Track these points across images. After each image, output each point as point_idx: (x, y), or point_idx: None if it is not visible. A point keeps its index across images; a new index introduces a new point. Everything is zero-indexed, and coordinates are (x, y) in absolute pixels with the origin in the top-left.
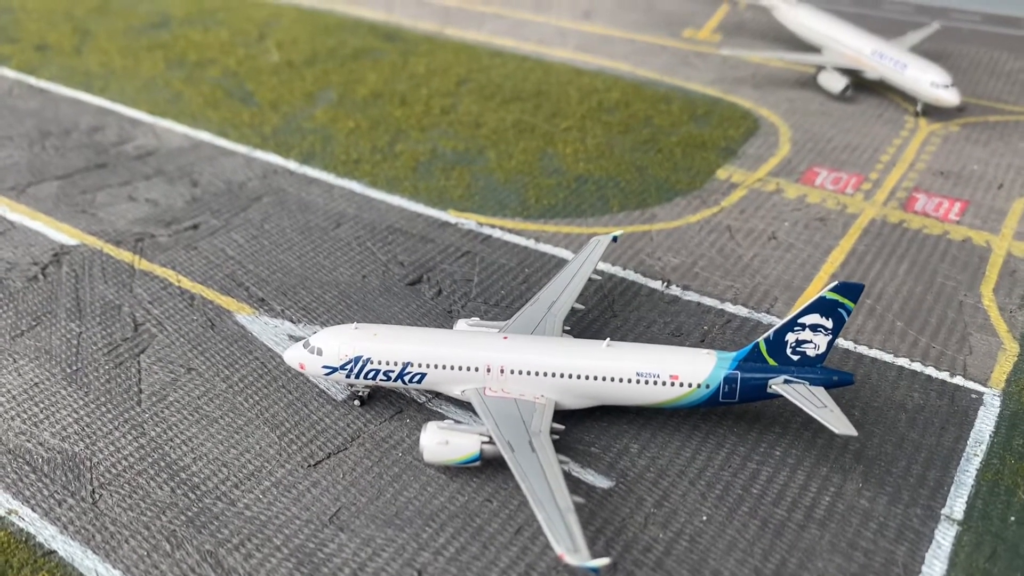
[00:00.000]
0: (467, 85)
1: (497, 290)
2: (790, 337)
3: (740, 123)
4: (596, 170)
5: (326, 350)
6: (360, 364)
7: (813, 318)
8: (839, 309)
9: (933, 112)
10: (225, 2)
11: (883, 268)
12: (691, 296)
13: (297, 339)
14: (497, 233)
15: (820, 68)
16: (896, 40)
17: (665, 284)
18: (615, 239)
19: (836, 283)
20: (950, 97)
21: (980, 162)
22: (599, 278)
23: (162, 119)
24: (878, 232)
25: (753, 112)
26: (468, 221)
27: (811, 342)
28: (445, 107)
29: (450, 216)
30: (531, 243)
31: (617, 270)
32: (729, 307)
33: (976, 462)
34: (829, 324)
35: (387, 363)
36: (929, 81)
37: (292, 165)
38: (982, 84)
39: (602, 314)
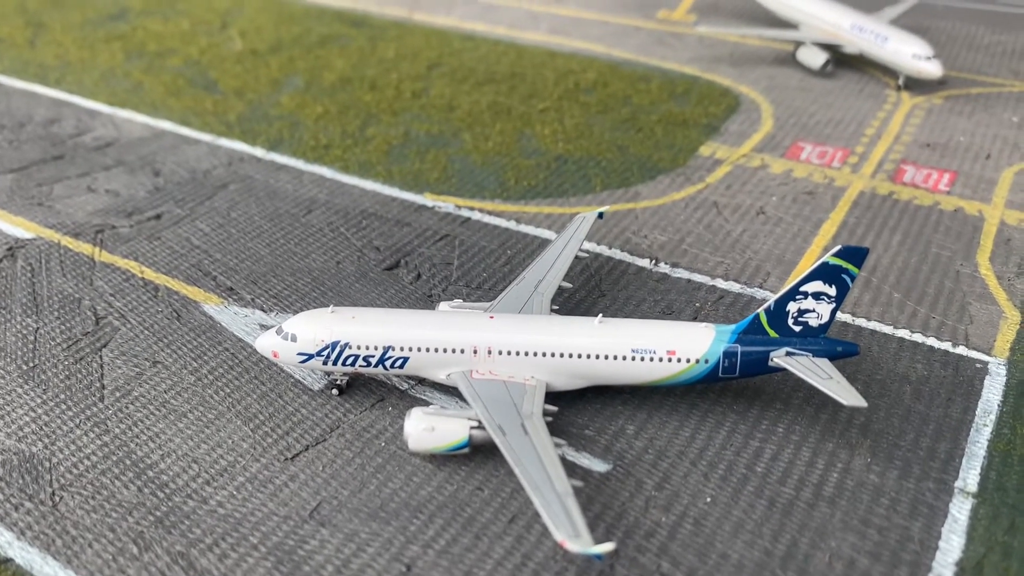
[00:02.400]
0: (439, 69)
1: (479, 272)
2: (792, 307)
3: (720, 100)
4: (576, 150)
5: (301, 336)
6: (338, 350)
7: (816, 285)
8: (843, 275)
9: (915, 85)
10: None
11: (876, 240)
12: (681, 273)
13: (269, 328)
14: (476, 215)
15: (799, 44)
16: (873, 15)
17: (653, 262)
18: (601, 216)
19: (840, 247)
20: (932, 69)
21: (966, 133)
22: (586, 255)
23: (121, 109)
24: (868, 204)
25: (733, 90)
26: (445, 204)
27: (814, 311)
28: (416, 91)
29: (426, 199)
30: (512, 224)
31: (603, 249)
32: (720, 283)
33: (986, 432)
34: (832, 291)
35: (367, 347)
36: (911, 53)
37: (259, 152)
38: (961, 57)
39: (590, 293)
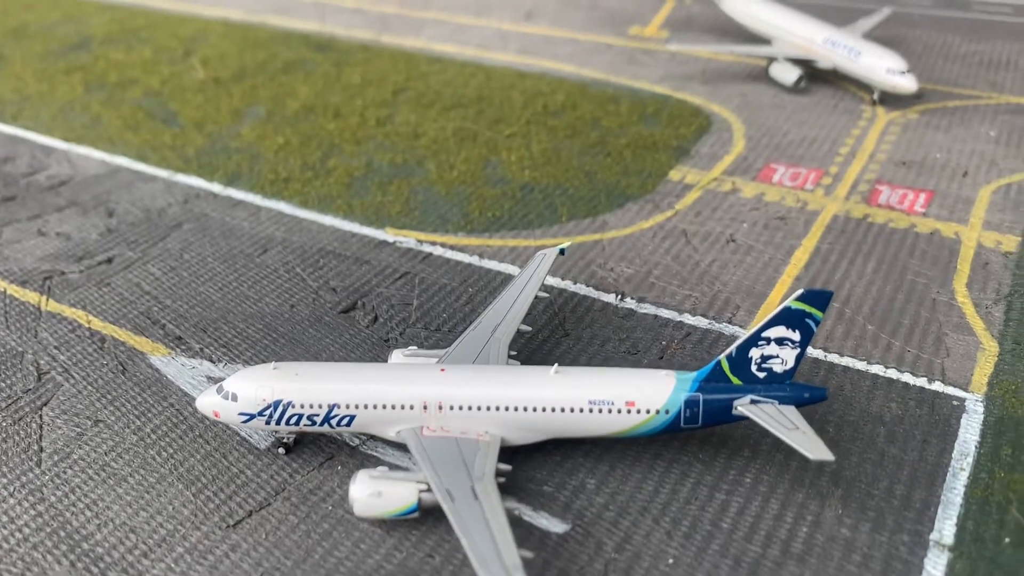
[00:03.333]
0: (405, 94)
1: (439, 313)
2: (754, 353)
3: (691, 121)
4: (543, 177)
5: (242, 395)
6: (280, 409)
7: (779, 331)
8: (807, 320)
9: (890, 100)
10: (149, 19)
11: (849, 267)
12: (647, 309)
13: (217, 380)
14: (438, 250)
15: (771, 60)
16: (847, 28)
17: (619, 297)
18: (562, 252)
19: (802, 291)
20: (907, 83)
21: (942, 149)
22: (547, 295)
23: (78, 145)
24: (842, 229)
25: (704, 109)
26: (407, 239)
27: (778, 357)
28: (381, 118)
29: (387, 234)
30: (475, 260)
31: (568, 284)
32: (688, 318)
33: (963, 477)
34: (796, 336)
35: (311, 406)
36: (885, 68)
37: (216, 187)
38: (937, 69)
39: (552, 334)
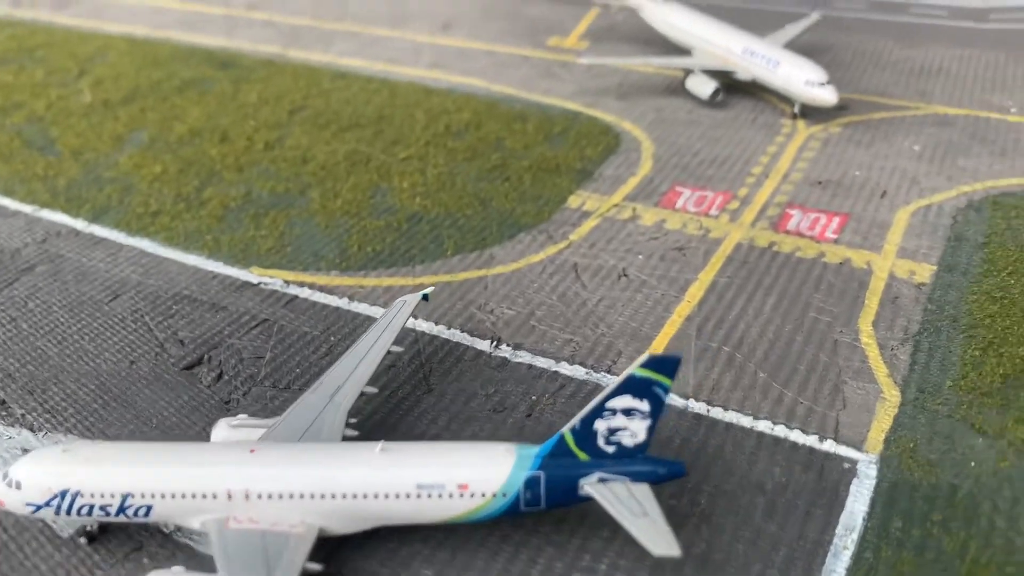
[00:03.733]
0: (302, 113)
1: (292, 368)
2: (600, 425)
3: (600, 140)
4: (433, 206)
5: (27, 483)
6: (69, 499)
7: (625, 401)
8: (654, 388)
9: (812, 112)
10: (50, 37)
11: (747, 304)
12: (523, 357)
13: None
14: (305, 292)
15: (689, 72)
16: (773, 35)
17: (493, 344)
18: (425, 298)
19: (646, 357)
20: (827, 96)
21: (862, 167)
22: (400, 350)
23: None
24: (744, 259)
25: (615, 126)
26: (273, 280)
27: (627, 429)
28: (271, 141)
29: (252, 275)
30: (344, 303)
31: (441, 330)
32: (564, 368)
33: (846, 558)
34: (645, 407)
35: (102, 496)
36: (803, 80)
37: (80, 224)
38: (866, 77)
39: (413, 390)
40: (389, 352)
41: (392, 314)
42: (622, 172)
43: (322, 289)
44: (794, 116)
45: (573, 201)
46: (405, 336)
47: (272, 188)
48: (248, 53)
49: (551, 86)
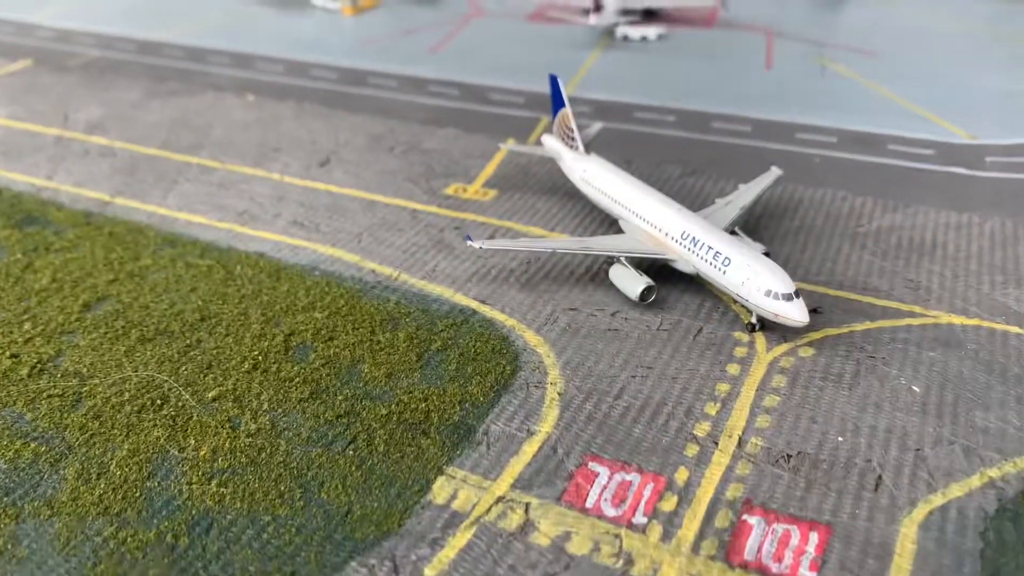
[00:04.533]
0: (100, 308)
1: None
2: None
3: (491, 365)
4: (234, 498)
5: None
6: None
7: None
8: None
9: (774, 327)
10: None
11: None
12: None
13: None
14: None
15: (611, 259)
16: (725, 200)
17: None
18: None
19: None
20: (794, 314)
21: (845, 425)
22: None
23: None
24: None
25: (514, 338)
26: None
27: None
28: (43, 360)
29: None
30: None
31: None
32: None
33: None
34: None
35: None
36: (762, 289)
37: None
38: (841, 256)
39: None
40: None
41: None
42: (516, 429)
43: None
44: (751, 328)
45: (441, 490)
46: None
47: (15, 455)
48: (66, 200)
49: (441, 264)
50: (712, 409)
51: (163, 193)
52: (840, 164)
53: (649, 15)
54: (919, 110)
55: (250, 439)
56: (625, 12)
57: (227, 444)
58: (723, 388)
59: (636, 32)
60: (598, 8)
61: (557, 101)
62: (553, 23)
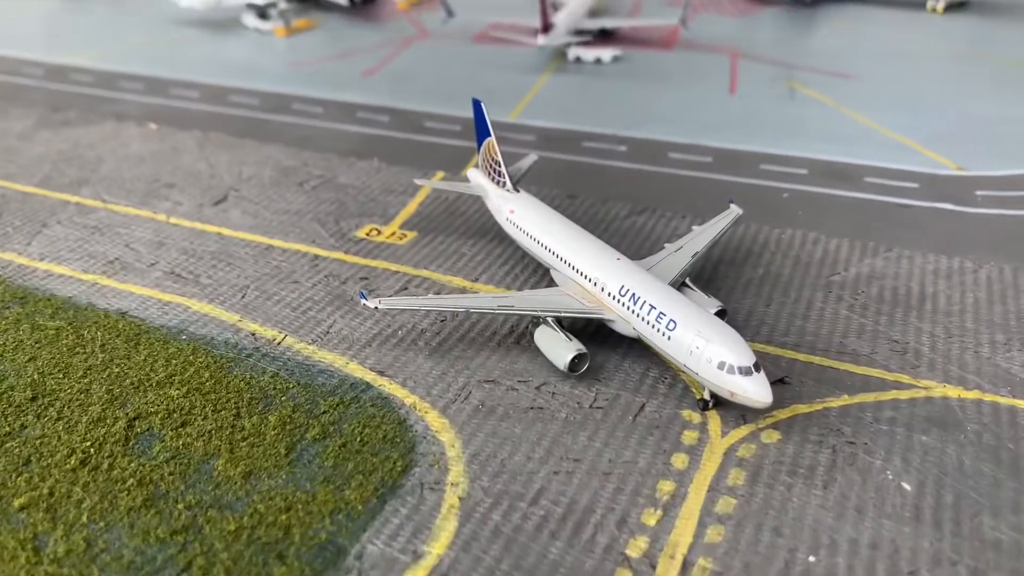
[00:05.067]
0: None
1: None
2: None
3: (379, 458)
4: None
5: None
6: None
7: None
8: None
9: (731, 405)
10: None
11: None
12: None
13: None
14: None
15: (537, 319)
16: (683, 240)
17: None
18: None
19: None
20: (753, 392)
21: (818, 538)
22: None
23: None
24: None
25: (413, 422)
26: None
27: None
28: None
29: None
30: None
31: None
32: None
33: None
34: None
35: None
36: (714, 361)
37: None
38: (813, 312)
39: None
40: None
41: None
42: (399, 551)
43: None
44: (704, 406)
45: None
46: None
47: None
48: None
49: (338, 323)
50: (651, 518)
51: (27, 238)
52: (812, 199)
53: (605, 35)
54: (900, 138)
55: (54, 567)
56: (577, 32)
57: (24, 570)
58: (666, 488)
59: (589, 54)
60: (546, 28)
61: (482, 129)
62: (500, 44)
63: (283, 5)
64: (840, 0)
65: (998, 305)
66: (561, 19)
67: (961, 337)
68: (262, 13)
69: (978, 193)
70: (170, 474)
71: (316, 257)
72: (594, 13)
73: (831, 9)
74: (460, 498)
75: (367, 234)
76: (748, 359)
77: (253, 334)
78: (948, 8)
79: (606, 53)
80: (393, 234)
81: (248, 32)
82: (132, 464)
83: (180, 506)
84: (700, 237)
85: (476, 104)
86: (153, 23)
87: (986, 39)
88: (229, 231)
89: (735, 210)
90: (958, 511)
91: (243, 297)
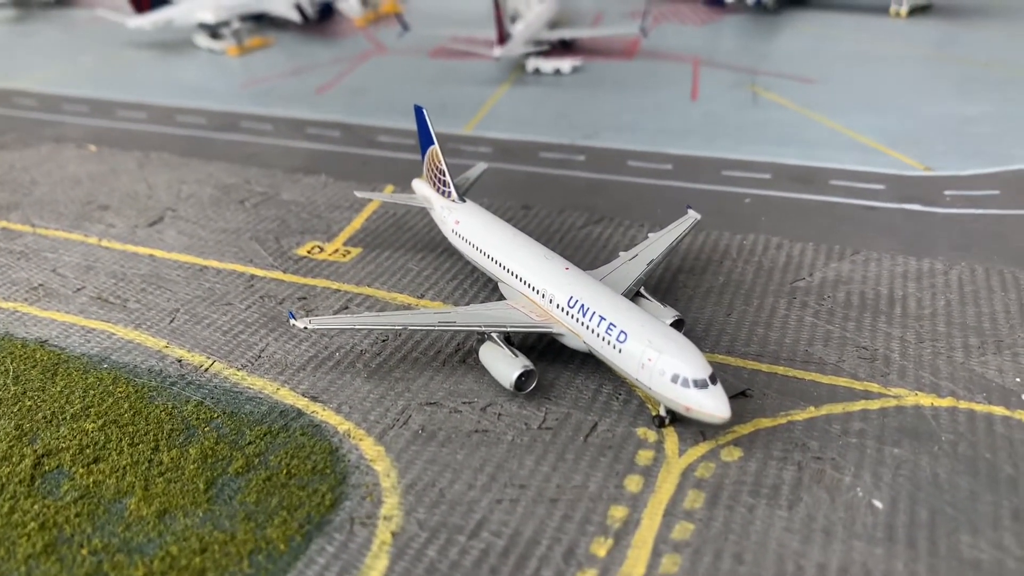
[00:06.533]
0: None
1: None
2: None
3: (305, 493)
4: None
5: None
6: None
7: None
8: None
9: (689, 421)
10: None
11: None
12: None
13: None
14: None
15: (483, 335)
16: (638, 248)
17: None
18: None
19: None
20: (710, 407)
21: (777, 563)
22: None
23: None
24: None
25: (346, 449)
26: None
27: None
28: None
29: None
30: None
31: None
32: None
33: None
34: None
35: None
36: (667, 373)
37: None
38: (776, 318)
39: None
40: None
41: None
42: None
43: None
44: (660, 423)
45: None
46: None
47: None
48: None
49: (271, 347)
50: (601, 548)
51: None
52: (775, 204)
53: (565, 47)
54: (866, 140)
55: None
56: (536, 43)
57: None
58: (618, 514)
59: (548, 65)
60: (502, 40)
61: (425, 138)
62: (458, 58)
63: (236, 24)
64: (804, 6)
65: (971, 307)
66: (518, 30)
67: (933, 342)
68: (214, 33)
69: (947, 193)
70: (76, 515)
71: (252, 277)
72: (554, 25)
73: (794, 15)
74: (393, 533)
75: (308, 251)
76: (703, 371)
77: (179, 360)
78: (912, 12)
79: (566, 64)
80: (336, 251)
81: (200, 53)
82: (35, 506)
83: (84, 551)
84: (656, 244)
85: (418, 111)
86: (104, 45)
87: (950, 41)
88: (163, 252)
89: (693, 215)
90: (934, 529)
91: (172, 321)
